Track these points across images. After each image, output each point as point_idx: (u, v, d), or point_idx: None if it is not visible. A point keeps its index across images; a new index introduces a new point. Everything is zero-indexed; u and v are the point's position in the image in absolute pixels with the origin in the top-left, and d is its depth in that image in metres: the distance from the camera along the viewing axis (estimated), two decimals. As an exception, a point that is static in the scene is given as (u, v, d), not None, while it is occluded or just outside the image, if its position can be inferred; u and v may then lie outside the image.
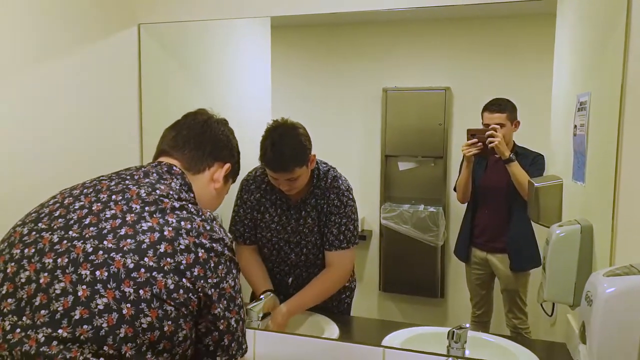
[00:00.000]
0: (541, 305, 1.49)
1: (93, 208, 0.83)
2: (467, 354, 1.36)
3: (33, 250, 0.79)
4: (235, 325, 0.84)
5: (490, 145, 1.64)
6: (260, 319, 1.56)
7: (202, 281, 0.79)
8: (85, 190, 0.87)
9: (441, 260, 1.88)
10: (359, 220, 1.64)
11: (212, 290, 0.80)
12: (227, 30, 1.87)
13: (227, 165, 1.04)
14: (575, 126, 1.35)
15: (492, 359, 1.36)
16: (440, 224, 1.86)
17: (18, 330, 0.73)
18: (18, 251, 0.79)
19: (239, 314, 0.85)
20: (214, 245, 0.83)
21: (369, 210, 1.94)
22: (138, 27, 1.68)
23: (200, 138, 1.00)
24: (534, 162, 1.65)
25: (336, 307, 1.69)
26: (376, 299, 1.96)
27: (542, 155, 1.64)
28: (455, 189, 1.80)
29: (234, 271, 0.85)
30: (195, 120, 1.03)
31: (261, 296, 1.58)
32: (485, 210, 1.76)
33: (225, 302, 0.82)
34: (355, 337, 1.65)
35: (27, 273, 0.77)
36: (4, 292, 0.77)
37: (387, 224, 1.92)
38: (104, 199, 0.84)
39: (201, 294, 0.79)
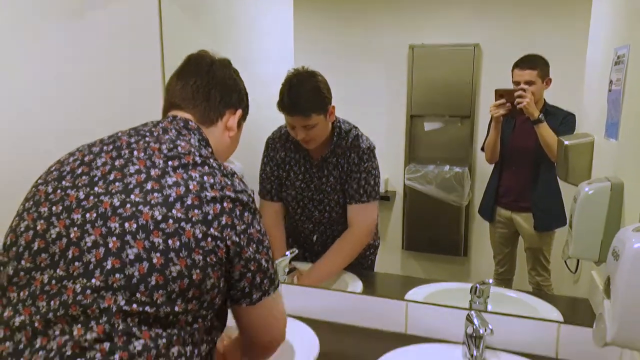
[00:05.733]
0: (565, 262, 1.48)
1: (116, 164, 0.84)
2: (490, 308, 1.38)
3: (60, 207, 0.80)
4: (265, 265, 0.87)
5: (518, 106, 1.60)
6: (286, 273, 1.60)
7: (229, 229, 0.81)
8: (105, 148, 0.87)
9: (465, 219, 1.88)
10: (380, 178, 1.64)
11: (241, 236, 0.83)
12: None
13: (239, 112, 1.03)
14: (611, 81, 1.31)
15: (514, 313, 1.37)
16: (466, 184, 1.85)
17: (54, 282, 0.76)
18: (45, 209, 0.81)
19: (267, 254, 0.88)
20: (239, 195, 0.85)
21: (393, 171, 1.93)
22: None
23: (208, 87, 0.99)
24: (564, 122, 1.61)
25: (360, 263, 1.71)
26: (399, 257, 1.98)
27: (573, 115, 1.60)
28: (482, 149, 1.78)
29: (258, 216, 0.87)
30: (199, 67, 1.01)
31: (287, 252, 1.62)
32: (513, 170, 1.74)
33: (254, 245, 0.85)
34: (378, 291, 1.68)
35: (57, 229, 0.79)
36: (36, 248, 0.79)
37: (411, 185, 1.92)
38: (125, 155, 0.85)
39: (229, 242, 0.81)
